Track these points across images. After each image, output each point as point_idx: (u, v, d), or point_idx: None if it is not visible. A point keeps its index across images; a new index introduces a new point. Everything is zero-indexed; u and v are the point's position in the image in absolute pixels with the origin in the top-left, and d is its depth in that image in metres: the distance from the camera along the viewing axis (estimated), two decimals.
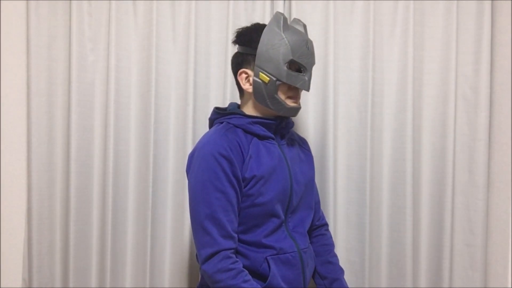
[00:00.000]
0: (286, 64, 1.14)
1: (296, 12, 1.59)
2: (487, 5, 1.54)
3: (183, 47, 1.60)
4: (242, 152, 1.13)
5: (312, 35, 1.59)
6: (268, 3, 1.59)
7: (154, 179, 1.58)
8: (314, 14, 1.60)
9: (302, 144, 1.38)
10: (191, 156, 1.16)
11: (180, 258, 1.60)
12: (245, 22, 1.58)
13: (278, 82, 1.15)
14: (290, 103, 1.20)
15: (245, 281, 1.07)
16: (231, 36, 1.26)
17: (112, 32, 1.56)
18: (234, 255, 1.10)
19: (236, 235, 1.11)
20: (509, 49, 1.55)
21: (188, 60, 1.58)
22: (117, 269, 1.60)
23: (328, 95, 1.57)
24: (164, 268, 1.60)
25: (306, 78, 1.18)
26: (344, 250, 1.59)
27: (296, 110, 1.22)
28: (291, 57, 1.14)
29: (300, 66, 1.17)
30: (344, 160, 1.60)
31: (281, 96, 1.18)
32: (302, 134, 1.59)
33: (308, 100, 1.61)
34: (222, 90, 1.59)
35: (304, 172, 1.27)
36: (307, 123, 1.61)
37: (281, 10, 1.59)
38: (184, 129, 1.58)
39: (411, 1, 1.56)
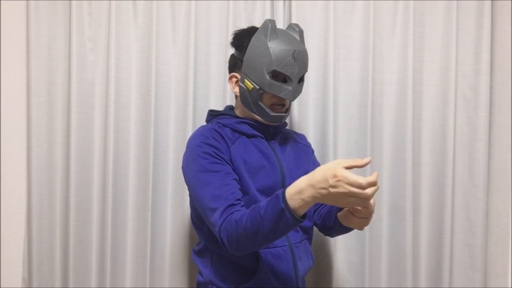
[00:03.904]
0: (269, 74, 1.15)
1: (296, 12, 1.59)
2: (487, 5, 1.54)
3: (183, 47, 1.60)
4: (226, 141, 1.16)
5: (312, 35, 1.59)
6: (268, 3, 1.59)
7: (154, 179, 1.58)
8: (314, 14, 1.60)
9: (299, 140, 1.38)
10: (184, 154, 1.18)
11: (180, 258, 1.60)
12: (245, 22, 1.58)
13: (261, 91, 1.17)
14: (274, 111, 1.21)
15: (261, 209, 0.97)
16: (231, 36, 1.26)
17: (112, 32, 1.56)
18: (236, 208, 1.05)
19: (241, 200, 1.09)
20: (509, 49, 1.55)
21: (188, 60, 1.58)
22: (117, 269, 1.60)
23: (328, 95, 1.57)
24: (164, 268, 1.60)
25: (290, 88, 1.17)
26: (344, 250, 1.59)
27: (280, 118, 1.22)
28: (274, 68, 1.14)
29: (284, 76, 1.17)
30: None
31: (265, 103, 1.19)
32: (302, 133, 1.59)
33: (308, 100, 1.61)
34: (222, 90, 1.59)
35: (299, 168, 1.28)
36: (307, 123, 1.61)
37: (281, 10, 1.59)
38: (184, 129, 1.58)
39: (411, 1, 1.56)
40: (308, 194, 0.91)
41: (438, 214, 1.58)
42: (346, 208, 1.10)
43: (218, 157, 1.11)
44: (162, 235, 1.60)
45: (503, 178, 1.58)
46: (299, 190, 0.93)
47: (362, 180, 0.86)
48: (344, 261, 1.59)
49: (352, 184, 0.86)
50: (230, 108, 1.33)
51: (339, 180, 0.86)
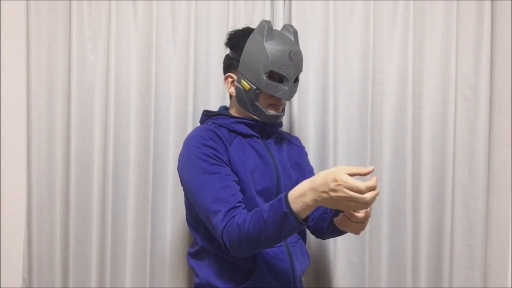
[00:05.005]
0: (266, 74, 1.16)
1: (296, 12, 1.59)
2: (487, 5, 1.55)
3: (183, 47, 1.60)
4: (223, 142, 1.16)
5: (312, 35, 1.60)
6: (268, 3, 1.59)
7: (154, 179, 1.58)
8: (314, 14, 1.60)
9: (293, 141, 1.39)
10: (180, 155, 1.18)
11: (180, 258, 1.60)
12: (245, 22, 1.58)
13: (258, 91, 1.17)
14: (271, 110, 1.21)
15: (264, 213, 0.98)
16: (226, 37, 1.27)
17: (112, 32, 1.56)
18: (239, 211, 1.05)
19: (242, 202, 1.09)
20: (509, 49, 1.56)
21: (188, 60, 1.58)
22: (117, 269, 1.60)
23: (328, 95, 1.57)
24: (164, 268, 1.60)
25: (287, 88, 1.18)
26: (344, 250, 1.59)
27: (276, 117, 1.23)
28: (270, 68, 1.15)
29: (281, 76, 1.18)
30: (344, 160, 1.60)
31: (262, 103, 1.20)
32: (302, 134, 1.59)
33: (308, 100, 1.61)
34: (222, 90, 1.59)
35: (294, 168, 1.28)
36: (307, 123, 1.61)
37: (281, 10, 1.59)
38: (184, 129, 1.58)
39: (411, 1, 1.56)
40: (310, 197, 0.93)
41: (438, 214, 1.58)
42: (343, 213, 1.11)
43: (217, 158, 1.11)
44: (162, 235, 1.60)
45: (503, 178, 1.58)
46: (301, 194, 0.94)
47: (361, 184, 0.86)
48: (344, 261, 1.59)
49: (351, 189, 0.87)
50: (225, 108, 1.33)
51: (339, 184, 0.87)
